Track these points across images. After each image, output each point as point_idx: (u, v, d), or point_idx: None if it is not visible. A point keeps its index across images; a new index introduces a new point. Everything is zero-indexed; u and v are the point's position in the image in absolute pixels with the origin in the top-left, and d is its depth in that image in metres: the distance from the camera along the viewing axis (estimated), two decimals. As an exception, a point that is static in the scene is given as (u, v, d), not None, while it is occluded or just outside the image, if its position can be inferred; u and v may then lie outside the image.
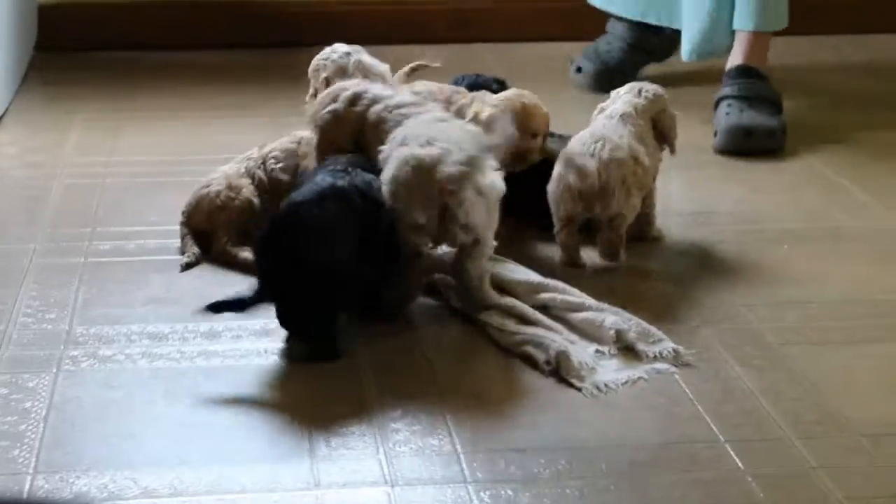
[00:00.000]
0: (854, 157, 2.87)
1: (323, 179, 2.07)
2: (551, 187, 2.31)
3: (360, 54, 2.50)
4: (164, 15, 3.64)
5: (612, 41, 3.25)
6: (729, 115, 2.90)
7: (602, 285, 2.22)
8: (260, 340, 2.05)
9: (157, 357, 2.00)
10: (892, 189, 2.68)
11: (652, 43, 3.24)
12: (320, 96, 2.38)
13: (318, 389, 1.92)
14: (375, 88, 2.32)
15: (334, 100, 2.32)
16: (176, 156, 2.79)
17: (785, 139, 2.90)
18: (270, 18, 3.65)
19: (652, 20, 3.16)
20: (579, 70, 3.24)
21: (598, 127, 2.33)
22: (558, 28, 3.55)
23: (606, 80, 3.07)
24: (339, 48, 2.52)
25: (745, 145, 2.85)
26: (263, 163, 2.40)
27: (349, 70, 2.46)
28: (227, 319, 2.10)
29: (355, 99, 2.30)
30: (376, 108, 2.26)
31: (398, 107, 2.25)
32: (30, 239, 2.41)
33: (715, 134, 2.90)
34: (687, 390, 1.92)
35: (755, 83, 2.96)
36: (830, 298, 2.21)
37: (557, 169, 2.30)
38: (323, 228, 1.99)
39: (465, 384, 1.95)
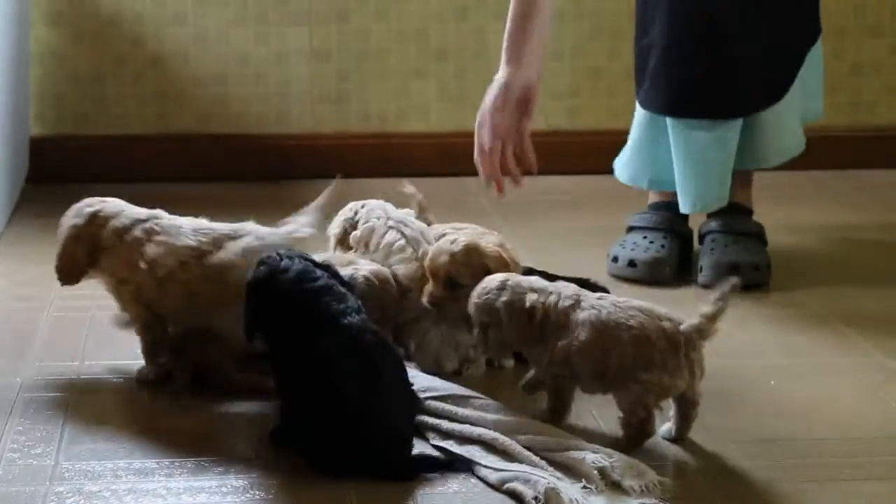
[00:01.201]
0: (839, 291, 2.89)
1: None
2: (632, 368, 2.08)
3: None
4: (156, 147, 3.68)
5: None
6: (714, 250, 2.93)
7: (589, 423, 2.21)
8: (246, 476, 2.04)
9: (143, 493, 1.99)
10: (878, 324, 2.69)
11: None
12: (69, 210, 2.42)
13: (305, 527, 1.91)
14: (110, 207, 2.38)
15: (77, 215, 2.37)
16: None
17: (770, 274, 2.92)
18: (262, 152, 3.70)
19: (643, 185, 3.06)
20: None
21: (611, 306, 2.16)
22: (539, 163, 3.58)
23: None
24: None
25: (730, 281, 2.87)
26: None
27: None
28: (214, 455, 2.10)
29: (93, 217, 2.36)
30: (108, 227, 2.34)
31: (130, 227, 2.34)
32: (17, 372, 2.41)
33: (700, 269, 2.92)
34: (675, 529, 1.92)
35: (739, 218, 2.99)
36: (819, 435, 2.20)
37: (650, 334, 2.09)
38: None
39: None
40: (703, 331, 2.11)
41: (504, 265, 2.35)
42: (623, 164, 3.04)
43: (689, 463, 2.10)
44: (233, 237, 2.31)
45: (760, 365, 2.49)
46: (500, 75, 2.65)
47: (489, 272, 2.31)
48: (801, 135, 3.04)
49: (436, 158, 3.73)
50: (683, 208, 2.95)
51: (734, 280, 2.12)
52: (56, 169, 3.60)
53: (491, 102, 2.63)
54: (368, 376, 2.02)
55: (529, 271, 2.44)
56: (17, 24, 3.34)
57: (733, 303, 2.75)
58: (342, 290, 2.13)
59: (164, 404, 2.29)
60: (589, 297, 2.18)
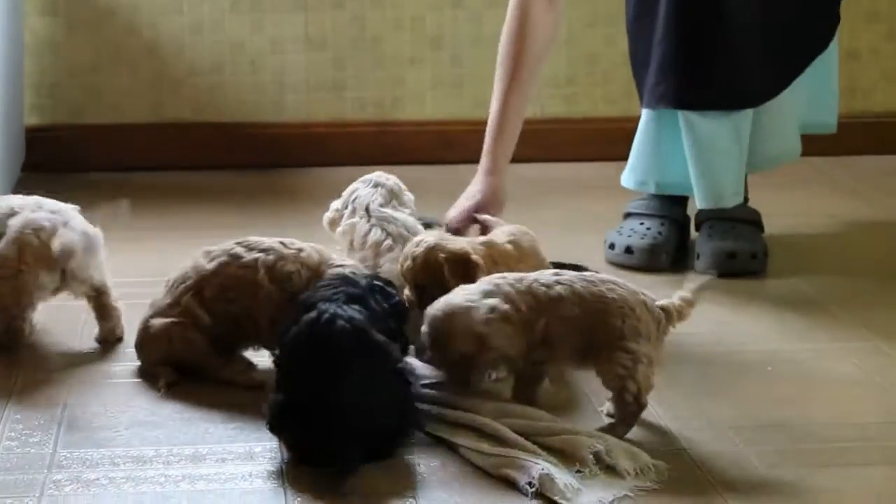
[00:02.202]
0: (836, 276, 2.89)
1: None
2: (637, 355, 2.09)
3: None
4: (151, 136, 3.67)
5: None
6: (711, 237, 2.92)
7: (588, 412, 2.22)
8: (245, 464, 2.04)
9: (141, 481, 1.99)
10: (875, 309, 2.69)
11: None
12: None
13: (303, 514, 1.91)
14: None
15: None
16: (162, 277, 2.79)
17: (767, 261, 2.92)
18: (256, 140, 3.69)
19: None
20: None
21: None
22: (536, 151, 3.59)
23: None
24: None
25: (727, 268, 2.87)
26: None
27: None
28: (212, 443, 2.10)
29: None
30: None
31: None
32: (14, 361, 2.41)
33: (697, 256, 2.92)
34: (673, 514, 1.92)
35: (736, 205, 2.98)
36: (816, 421, 2.21)
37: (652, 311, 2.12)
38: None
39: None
40: (681, 312, 2.14)
41: (462, 264, 2.29)
42: (629, 170, 2.99)
43: (686, 448, 2.10)
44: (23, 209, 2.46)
45: (757, 351, 2.50)
46: (491, 180, 2.76)
47: (444, 274, 2.28)
48: (796, 143, 3.04)
49: (432, 146, 3.73)
50: (700, 203, 2.92)
51: (712, 278, 2.14)
52: (52, 158, 3.60)
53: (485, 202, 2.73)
54: (328, 362, 1.99)
55: (559, 266, 2.41)
56: (11, 15, 3.33)
57: (730, 290, 2.78)
58: (346, 281, 2.13)
59: (161, 393, 2.29)
60: (542, 276, 2.14)
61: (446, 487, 1.98)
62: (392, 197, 2.58)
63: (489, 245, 2.39)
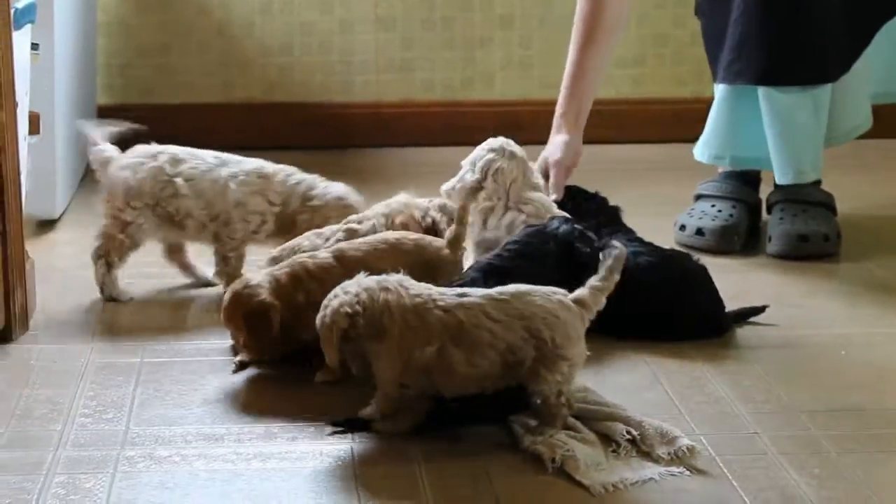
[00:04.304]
0: (909, 261, 2.87)
1: None
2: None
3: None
4: (220, 116, 3.70)
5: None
6: (783, 220, 2.90)
7: (660, 394, 2.21)
8: (315, 443, 2.05)
9: (213, 458, 2.01)
10: (948, 294, 2.67)
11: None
12: None
13: (374, 495, 1.91)
14: None
15: None
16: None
17: (840, 243, 2.89)
18: (327, 120, 3.70)
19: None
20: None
21: None
22: (608, 130, 3.58)
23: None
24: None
25: (800, 251, 2.84)
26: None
27: None
28: (283, 421, 2.12)
29: None
30: None
31: None
32: (87, 339, 2.44)
33: (769, 239, 2.89)
34: (745, 498, 1.90)
35: (808, 187, 2.96)
36: (889, 406, 2.19)
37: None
38: None
39: (524, 494, 1.93)
40: (596, 300, 2.05)
41: (256, 317, 2.24)
42: (704, 144, 2.98)
43: (759, 433, 2.08)
44: None
45: (831, 335, 2.47)
46: (564, 138, 2.83)
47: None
48: (868, 113, 3.01)
49: (500, 127, 3.69)
50: (780, 179, 2.91)
51: (619, 251, 2.07)
52: (122, 138, 3.62)
53: (560, 160, 2.79)
54: None
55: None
56: (84, -6, 3.36)
57: (803, 273, 2.75)
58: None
59: (233, 373, 2.30)
60: (442, 296, 2.04)
61: (521, 473, 1.98)
62: (524, 168, 2.59)
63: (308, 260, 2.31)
